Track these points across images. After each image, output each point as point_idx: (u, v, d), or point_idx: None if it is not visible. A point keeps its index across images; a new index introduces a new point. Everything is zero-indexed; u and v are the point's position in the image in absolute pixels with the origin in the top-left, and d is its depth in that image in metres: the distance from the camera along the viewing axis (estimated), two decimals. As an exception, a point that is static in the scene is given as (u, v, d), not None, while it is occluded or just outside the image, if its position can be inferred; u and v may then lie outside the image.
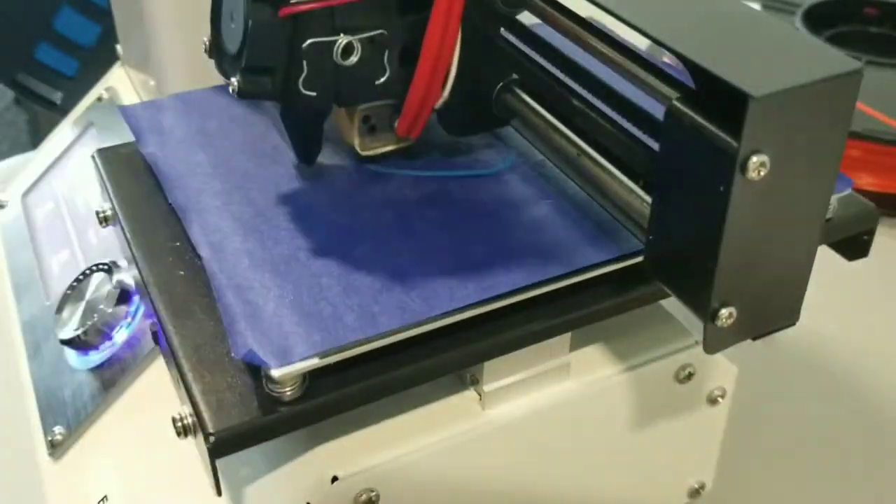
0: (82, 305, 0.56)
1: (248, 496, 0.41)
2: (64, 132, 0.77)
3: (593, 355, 0.46)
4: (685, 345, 0.46)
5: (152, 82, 0.68)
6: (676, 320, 0.48)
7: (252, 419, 0.37)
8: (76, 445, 0.55)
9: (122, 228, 0.47)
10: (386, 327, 0.39)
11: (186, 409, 0.38)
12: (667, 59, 0.63)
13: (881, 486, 0.58)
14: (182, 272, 0.44)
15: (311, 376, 0.38)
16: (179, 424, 0.38)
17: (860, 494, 0.58)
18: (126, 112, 0.53)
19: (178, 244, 0.45)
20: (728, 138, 0.32)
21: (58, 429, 0.55)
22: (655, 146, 0.38)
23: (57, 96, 1.13)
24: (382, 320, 0.39)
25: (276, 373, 0.36)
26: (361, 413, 0.41)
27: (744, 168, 0.32)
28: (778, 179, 0.33)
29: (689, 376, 0.47)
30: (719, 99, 0.32)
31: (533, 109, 0.47)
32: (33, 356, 0.61)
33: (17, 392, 0.61)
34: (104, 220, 0.50)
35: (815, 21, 0.89)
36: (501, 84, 0.48)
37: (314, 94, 0.42)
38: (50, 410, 0.57)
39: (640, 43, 0.40)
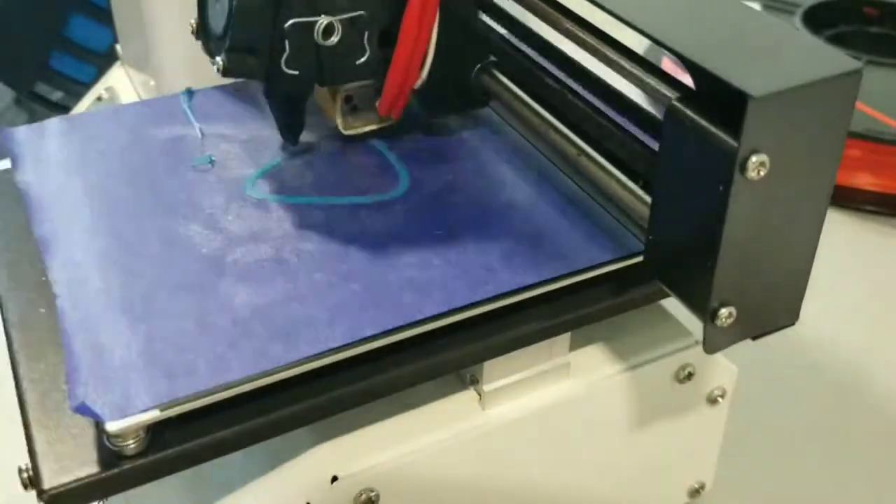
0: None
1: (249, 495, 0.41)
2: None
3: (593, 355, 0.46)
4: (685, 345, 0.46)
5: (152, 82, 0.68)
6: (676, 320, 0.48)
7: (89, 475, 0.35)
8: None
9: None
10: (239, 375, 0.36)
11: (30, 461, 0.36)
12: (666, 59, 0.63)
13: (881, 485, 0.58)
14: (43, 310, 0.42)
15: (157, 428, 0.36)
16: (24, 475, 0.36)
17: (860, 494, 0.58)
18: (6, 135, 0.51)
19: (44, 279, 0.42)
20: (728, 138, 0.32)
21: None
22: (655, 146, 0.38)
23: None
24: (235, 367, 0.37)
25: (111, 426, 0.34)
26: (361, 413, 0.41)
27: (743, 168, 0.32)
28: (777, 179, 0.33)
29: (689, 376, 0.47)
30: (719, 99, 0.32)
31: (511, 91, 0.48)
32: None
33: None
34: None
35: (815, 21, 0.89)
36: (479, 66, 0.49)
37: (297, 73, 0.43)
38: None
39: (640, 43, 0.40)
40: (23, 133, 0.51)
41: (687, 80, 0.36)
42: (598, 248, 0.43)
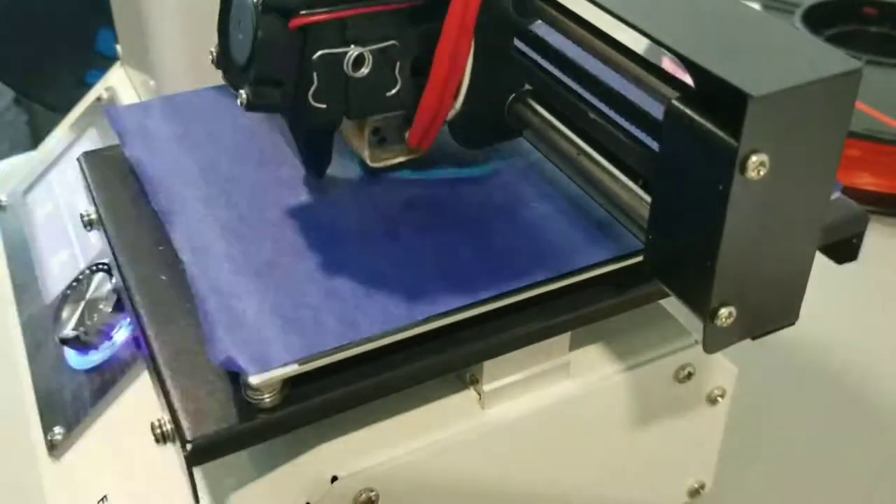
0: (82, 305, 0.56)
1: (248, 495, 0.41)
2: (64, 132, 0.77)
3: (593, 355, 0.46)
4: (685, 344, 0.46)
5: (152, 82, 0.68)
6: (676, 320, 0.48)
7: (230, 427, 0.36)
8: (76, 445, 0.55)
9: (105, 232, 0.47)
10: (367, 333, 0.38)
11: (165, 416, 0.38)
12: (666, 59, 0.63)
13: (881, 485, 0.58)
14: (164, 277, 0.43)
15: (292, 383, 0.37)
16: (158, 431, 0.38)
17: (860, 494, 0.58)
18: (111, 114, 0.52)
19: (161, 248, 0.44)
20: (727, 138, 0.32)
21: (57, 429, 0.55)
22: (655, 146, 0.38)
23: None
24: (364, 326, 0.39)
25: (254, 379, 0.36)
26: (361, 413, 0.41)
27: (743, 167, 0.32)
28: (777, 179, 0.33)
29: (689, 376, 0.47)
30: (719, 98, 0.32)
31: (547, 121, 0.46)
32: (33, 356, 0.61)
33: (16, 392, 0.61)
34: (89, 224, 0.50)
35: (815, 21, 0.89)
36: (514, 95, 0.47)
37: (324, 106, 0.41)
38: (49, 410, 0.57)
39: (639, 43, 0.40)
40: (129, 111, 0.53)
41: (687, 79, 0.36)
42: (598, 248, 0.43)
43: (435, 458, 0.42)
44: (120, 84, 0.76)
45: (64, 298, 0.57)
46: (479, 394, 0.43)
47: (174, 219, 0.45)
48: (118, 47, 0.77)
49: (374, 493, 0.40)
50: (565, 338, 0.44)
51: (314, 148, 0.46)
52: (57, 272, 0.64)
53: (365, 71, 0.41)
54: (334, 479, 0.40)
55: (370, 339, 0.38)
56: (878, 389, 0.63)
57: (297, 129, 0.46)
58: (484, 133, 0.48)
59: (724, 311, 0.36)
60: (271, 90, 0.41)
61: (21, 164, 0.81)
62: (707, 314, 0.36)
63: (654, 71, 0.38)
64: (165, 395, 0.38)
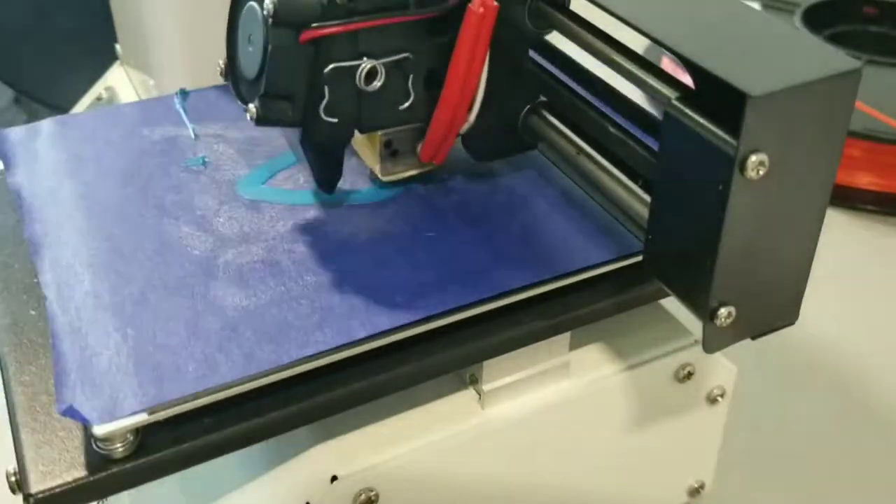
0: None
1: (248, 495, 0.41)
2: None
3: (593, 355, 0.46)
4: (684, 344, 0.46)
5: (151, 82, 0.68)
6: (676, 320, 0.48)
7: (76, 479, 0.34)
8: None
9: None
10: (227, 378, 0.36)
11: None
12: (666, 58, 0.63)
13: (881, 485, 0.58)
14: (34, 312, 0.41)
15: (146, 431, 0.35)
16: (12, 479, 0.36)
17: (860, 494, 0.58)
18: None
19: (35, 281, 0.42)
20: (727, 137, 0.32)
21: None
22: (655, 145, 0.38)
23: None
24: (224, 370, 0.36)
25: (98, 430, 0.34)
26: (361, 412, 0.41)
27: (742, 167, 0.32)
28: (777, 178, 0.33)
29: (689, 376, 0.47)
30: (718, 98, 0.32)
31: (562, 133, 0.45)
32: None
33: None
34: None
35: (815, 20, 0.89)
36: (529, 107, 0.46)
37: (336, 120, 0.41)
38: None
39: (639, 43, 0.40)
40: (16, 134, 0.51)
41: (686, 79, 0.36)
42: (598, 248, 0.43)
43: (435, 458, 0.42)
44: (119, 84, 0.76)
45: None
46: (479, 393, 0.43)
47: (44, 251, 0.42)
48: (118, 47, 0.77)
49: (374, 493, 0.40)
50: (565, 338, 0.44)
51: (325, 163, 0.45)
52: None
53: (377, 84, 0.40)
54: (334, 479, 0.40)
55: (230, 385, 0.36)
56: (877, 389, 0.63)
57: (307, 142, 0.44)
58: (498, 146, 0.47)
59: (723, 311, 0.36)
60: (282, 104, 0.40)
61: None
62: (707, 314, 0.36)
63: (653, 71, 0.38)
64: (15, 442, 0.36)
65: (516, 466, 0.45)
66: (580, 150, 0.44)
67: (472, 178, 0.48)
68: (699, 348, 0.42)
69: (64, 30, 1.29)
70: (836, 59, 0.33)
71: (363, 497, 0.40)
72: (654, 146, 0.39)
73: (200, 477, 0.42)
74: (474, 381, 0.43)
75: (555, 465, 0.46)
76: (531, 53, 0.45)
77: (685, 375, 0.47)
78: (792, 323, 0.39)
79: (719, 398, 0.48)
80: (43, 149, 0.50)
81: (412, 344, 0.39)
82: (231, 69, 0.42)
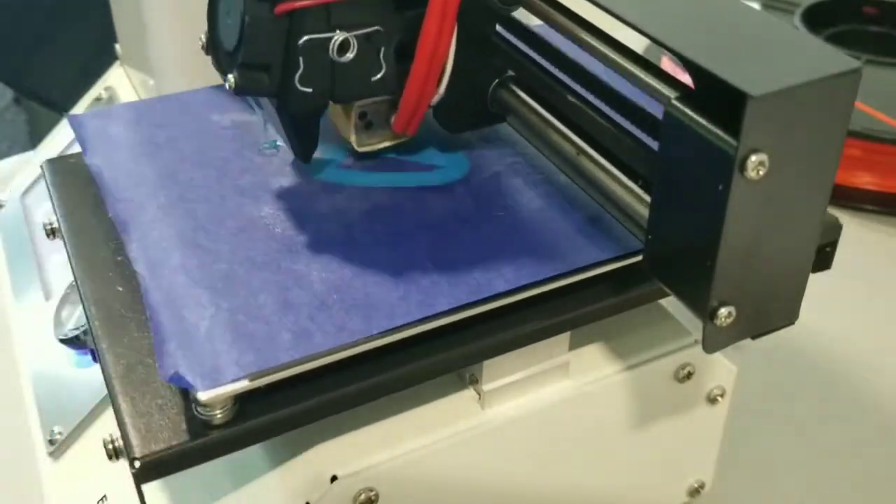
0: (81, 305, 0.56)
1: (248, 495, 0.41)
2: (63, 132, 0.77)
3: (592, 354, 0.46)
4: (684, 344, 0.46)
5: (151, 81, 0.68)
6: (675, 319, 0.48)
7: (180, 444, 0.36)
8: (76, 445, 0.55)
9: (64, 241, 0.46)
10: (322, 347, 0.38)
11: (117, 431, 0.37)
12: (665, 58, 0.63)
13: (881, 485, 0.58)
14: (121, 288, 0.43)
15: (244, 399, 0.37)
16: (110, 447, 0.37)
17: (860, 494, 0.58)
18: (73, 121, 0.52)
19: (119, 259, 0.44)
20: (727, 137, 0.32)
21: (57, 428, 0.55)
22: (655, 145, 0.38)
23: None
24: (318, 340, 0.38)
25: (202, 396, 0.35)
26: (361, 412, 0.41)
27: (742, 167, 0.32)
28: (777, 179, 0.33)
29: (689, 375, 0.47)
30: (718, 98, 0.32)
31: (529, 106, 0.47)
32: (33, 356, 0.61)
33: (16, 392, 0.61)
34: (51, 233, 0.49)
35: (815, 20, 0.89)
36: (497, 81, 0.48)
37: (310, 90, 0.42)
38: (49, 410, 0.57)
39: (639, 43, 0.40)
40: (90, 118, 0.52)
41: (686, 79, 0.36)
42: (598, 248, 0.43)
43: (435, 458, 0.42)
44: (119, 83, 0.76)
45: (64, 298, 0.57)
46: (479, 393, 0.43)
47: (131, 229, 0.44)
48: (118, 47, 0.77)
49: (373, 493, 0.40)
50: (565, 337, 0.44)
51: (301, 132, 0.47)
52: (56, 272, 0.64)
53: (350, 56, 0.42)
54: (334, 478, 0.40)
55: (324, 354, 0.37)
56: (877, 389, 0.63)
57: (283, 112, 0.46)
58: (468, 118, 0.49)
59: (723, 311, 0.36)
60: (259, 74, 0.41)
61: (21, 163, 0.81)
62: (706, 314, 0.36)
63: (653, 70, 0.38)
64: (116, 410, 0.37)
65: (516, 466, 0.45)
66: (580, 150, 0.45)
67: (471, 179, 0.48)
68: (699, 348, 0.42)
69: (64, 30, 1.29)
70: (836, 59, 0.33)
71: (363, 497, 0.40)
72: (651, 143, 0.39)
73: (200, 477, 0.42)
74: (474, 381, 0.43)
75: (554, 465, 0.46)
76: (499, 29, 0.47)
77: (685, 375, 0.47)
78: (792, 323, 0.39)
79: (719, 398, 0.48)
80: (118, 132, 0.51)
81: (412, 344, 0.39)
82: (212, 42, 0.43)
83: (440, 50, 0.43)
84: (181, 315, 0.39)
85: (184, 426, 0.36)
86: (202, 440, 0.36)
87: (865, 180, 0.78)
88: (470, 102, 0.48)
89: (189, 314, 0.39)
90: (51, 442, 0.55)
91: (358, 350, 0.38)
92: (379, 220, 0.45)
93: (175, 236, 0.43)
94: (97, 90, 0.79)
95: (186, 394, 0.37)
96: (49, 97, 1.34)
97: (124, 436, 0.36)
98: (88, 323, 0.41)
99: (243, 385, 0.36)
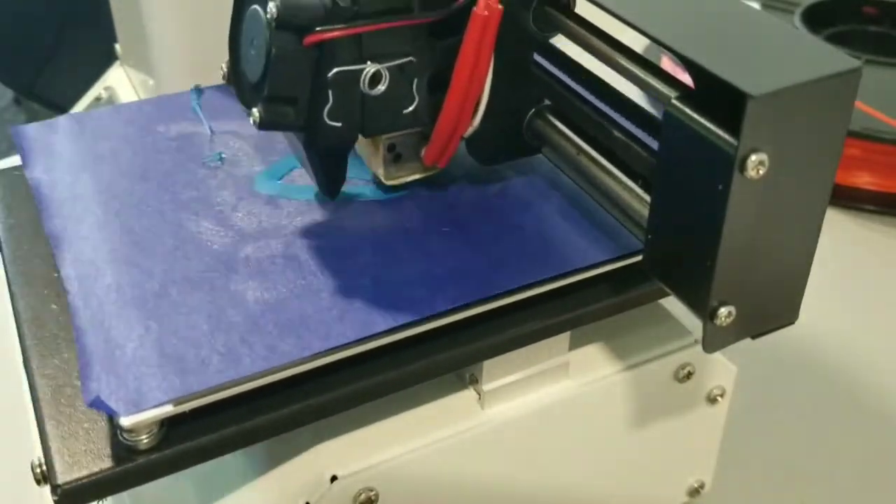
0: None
1: (248, 495, 0.41)
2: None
3: (592, 354, 0.46)
4: (684, 344, 0.46)
5: (151, 82, 0.68)
6: (675, 319, 0.48)
7: (103, 470, 0.35)
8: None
9: (2, 256, 0.45)
10: (249, 371, 0.37)
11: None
12: (665, 58, 0.63)
13: (881, 485, 0.58)
14: (55, 306, 0.42)
15: (171, 423, 0.36)
16: (38, 471, 0.36)
17: (860, 494, 0.57)
18: (17, 133, 0.51)
19: (56, 275, 0.42)
20: (727, 137, 0.32)
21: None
22: (654, 144, 0.38)
23: None
24: (246, 363, 0.37)
25: (125, 421, 0.34)
26: (361, 412, 0.41)
27: (743, 167, 0.32)
28: (777, 178, 0.33)
29: (689, 375, 0.47)
30: (718, 98, 0.32)
31: (565, 136, 0.45)
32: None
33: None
34: None
35: (815, 20, 0.89)
36: (533, 110, 0.46)
37: (340, 124, 0.40)
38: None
39: (639, 43, 0.40)
40: (33, 130, 0.51)
41: (686, 79, 0.36)
42: (598, 248, 0.43)
43: (434, 458, 0.42)
44: (119, 83, 0.76)
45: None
46: (479, 393, 0.43)
47: (64, 245, 0.43)
48: (117, 47, 0.78)
49: (373, 493, 0.40)
50: (565, 337, 0.44)
51: (328, 167, 0.45)
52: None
53: (382, 88, 0.40)
54: (334, 478, 0.40)
55: (253, 377, 0.37)
56: (877, 389, 0.63)
57: (311, 147, 0.43)
58: (502, 149, 0.47)
59: (723, 311, 0.36)
60: (285, 108, 0.39)
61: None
62: (706, 313, 0.36)
63: (653, 70, 0.38)
64: (41, 434, 0.36)
65: (516, 466, 0.45)
66: (580, 149, 0.44)
67: (471, 179, 0.48)
68: (699, 348, 0.42)
69: (64, 30, 1.29)
70: (836, 59, 0.33)
71: (363, 497, 0.40)
72: (654, 146, 0.39)
73: (200, 477, 0.42)
74: (474, 381, 0.43)
75: (554, 465, 0.46)
76: (536, 57, 0.45)
77: (685, 375, 0.47)
78: (792, 322, 0.39)
79: (719, 398, 0.48)
80: (60, 145, 0.50)
81: (412, 344, 0.39)
82: (234, 73, 0.42)
83: (476, 80, 0.41)
84: (109, 336, 0.38)
85: (108, 451, 0.35)
86: (127, 465, 0.35)
87: (865, 180, 0.78)
88: (505, 133, 0.46)
89: (117, 335, 0.38)
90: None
91: (289, 373, 0.37)
92: (322, 236, 0.44)
93: (109, 253, 0.42)
94: (97, 90, 0.79)
95: (112, 418, 0.36)
96: (49, 97, 1.34)
97: (48, 461, 0.35)
98: (20, 342, 0.41)
99: (168, 410, 0.35)
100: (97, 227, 0.44)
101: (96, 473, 0.35)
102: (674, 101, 0.35)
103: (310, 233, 0.44)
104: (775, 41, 0.35)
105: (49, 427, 0.37)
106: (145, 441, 0.35)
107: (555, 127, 0.46)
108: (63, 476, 0.35)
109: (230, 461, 0.38)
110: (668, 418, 0.48)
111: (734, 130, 0.32)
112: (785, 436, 0.60)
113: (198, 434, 0.36)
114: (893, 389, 0.63)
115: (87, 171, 0.48)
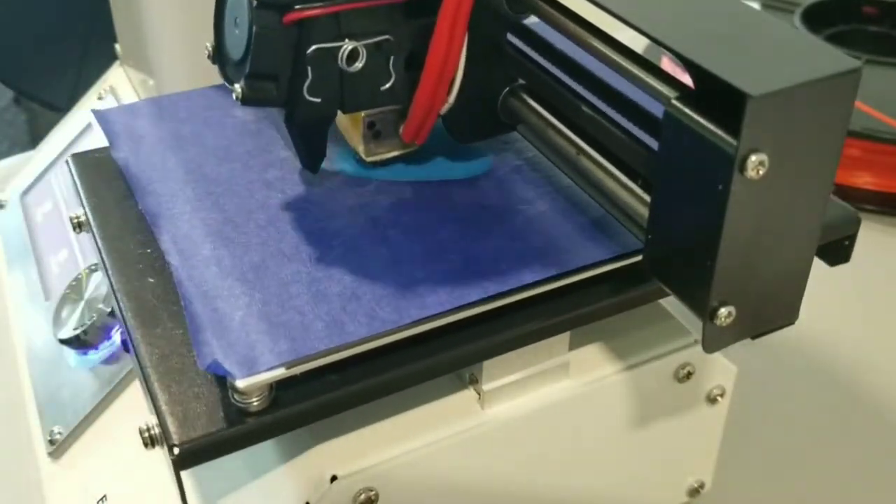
0: (81, 305, 0.56)
1: (248, 495, 0.41)
2: (63, 132, 0.77)
3: (592, 354, 0.46)
4: (684, 344, 0.46)
5: (151, 81, 0.68)
6: (675, 319, 0.48)
7: (218, 431, 0.36)
8: (76, 445, 0.55)
9: (94, 235, 0.46)
10: (355, 336, 0.38)
11: (153, 420, 0.38)
12: (665, 58, 0.63)
13: (881, 485, 0.58)
14: (152, 279, 0.43)
15: (279, 386, 0.37)
16: (147, 435, 0.38)
17: (860, 494, 0.58)
18: (100, 116, 0.52)
19: (149, 251, 0.44)
20: (727, 137, 0.32)
21: (57, 428, 0.55)
22: (655, 145, 0.38)
23: None
24: (350, 329, 0.38)
25: (240, 383, 0.36)
26: (361, 412, 0.41)
27: (742, 167, 0.32)
28: (777, 178, 0.33)
29: (689, 375, 0.47)
30: (718, 98, 0.32)
31: (539, 114, 0.46)
32: (33, 356, 0.61)
33: (16, 392, 0.61)
34: (78, 227, 0.49)
35: (814, 20, 0.89)
36: (507, 89, 0.47)
37: (319, 100, 0.42)
38: (49, 410, 0.57)
39: (639, 43, 0.40)
40: (116, 113, 0.53)
41: (686, 79, 0.36)
42: (598, 248, 0.43)
43: (434, 458, 0.42)
44: (119, 83, 0.76)
45: (64, 298, 0.57)
46: (479, 393, 0.43)
47: (161, 221, 0.45)
48: (118, 47, 0.77)
49: (373, 493, 0.41)
50: (565, 337, 0.44)
51: (309, 142, 0.46)
52: (56, 272, 0.64)
53: (359, 65, 0.41)
54: (334, 478, 0.40)
55: (358, 343, 0.38)
56: (877, 389, 0.63)
57: (291, 123, 0.45)
58: (478, 127, 0.48)
59: (723, 311, 0.36)
60: (266, 84, 0.41)
61: (21, 163, 0.81)
62: (706, 313, 0.36)
63: (653, 70, 0.38)
64: (153, 399, 0.38)
65: (516, 466, 0.45)
66: (580, 149, 0.45)
67: (470, 179, 0.48)
68: (699, 348, 0.42)
69: (64, 30, 1.29)
70: (836, 59, 0.33)
71: (363, 497, 0.40)
72: (651, 144, 0.39)
73: (201, 477, 0.42)
74: (474, 381, 0.43)
75: (554, 465, 0.46)
76: (509, 36, 0.46)
77: (685, 375, 0.47)
78: (792, 322, 0.39)
79: (719, 398, 0.48)
80: (144, 127, 0.51)
81: (412, 344, 0.39)
82: (218, 51, 0.43)
83: (451, 58, 0.43)
84: (215, 306, 0.40)
85: (221, 414, 0.37)
86: (239, 427, 0.36)
87: (865, 180, 0.78)
88: (480, 111, 0.47)
89: (223, 304, 0.40)
90: (51, 442, 0.55)
91: (390, 339, 0.39)
92: (405, 213, 0.45)
93: (205, 229, 0.44)
94: (97, 90, 0.79)
95: (223, 382, 0.37)
96: (49, 97, 1.34)
97: (162, 423, 0.37)
98: (121, 314, 0.42)
99: (280, 373, 0.37)
100: (189, 204, 0.46)
101: (211, 434, 0.36)
102: (673, 102, 0.35)
103: (392, 210, 0.45)
104: (775, 41, 0.35)
105: (160, 392, 0.38)
106: (256, 403, 0.37)
107: (528, 105, 0.47)
108: (179, 436, 0.36)
109: (230, 461, 0.38)
110: (667, 418, 0.48)
111: (734, 130, 0.32)
112: (785, 436, 0.60)
113: (303, 397, 0.37)
114: (893, 389, 0.63)
115: (173, 152, 0.50)
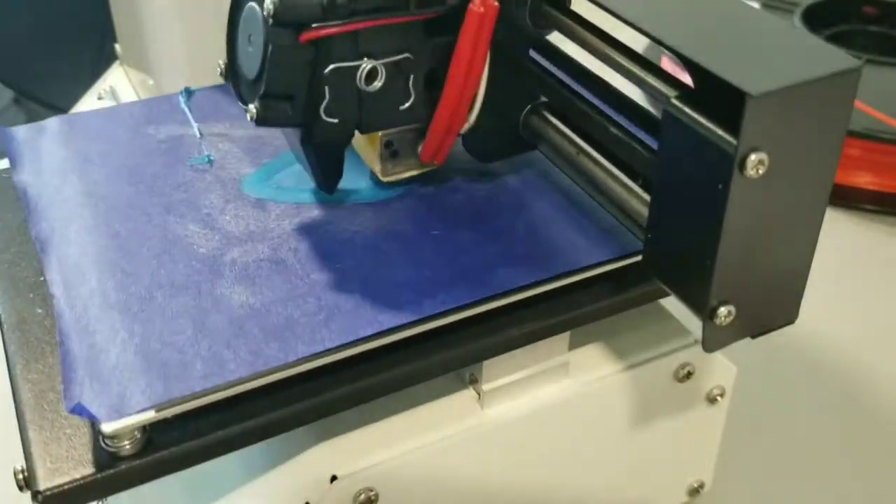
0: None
1: (248, 495, 0.41)
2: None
3: (592, 354, 0.46)
4: (684, 344, 0.46)
5: (151, 81, 0.68)
6: (675, 319, 0.48)
7: (84, 476, 0.35)
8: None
9: None
10: (235, 375, 0.36)
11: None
12: (665, 58, 0.63)
13: (880, 485, 0.58)
14: (41, 310, 0.42)
15: (155, 428, 0.36)
16: (20, 477, 0.36)
17: (859, 494, 0.57)
18: (4, 135, 0.50)
19: (42, 279, 0.42)
20: (727, 136, 0.32)
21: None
22: (654, 144, 0.38)
23: None
24: (232, 368, 0.36)
25: (106, 427, 0.34)
26: (361, 412, 0.41)
27: (742, 166, 0.32)
28: (776, 177, 0.33)
29: (688, 375, 0.47)
30: (718, 97, 0.32)
31: (561, 133, 0.45)
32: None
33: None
34: None
35: (815, 20, 0.89)
36: (529, 107, 0.46)
37: (336, 120, 0.40)
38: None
39: (639, 42, 0.40)
40: (22, 132, 0.51)
41: (686, 79, 0.36)
42: (597, 248, 0.43)
43: (434, 458, 0.42)
44: (119, 83, 0.76)
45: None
46: (479, 393, 0.43)
47: (50, 248, 0.43)
48: (117, 47, 0.77)
49: (373, 493, 0.40)
50: (564, 337, 0.44)
51: (325, 163, 0.44)
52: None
53: (378, 84, 0.40)
54: (334, 478, 0.40)
55: (237, 382, 0.36)
56: (877, 389, 0.63)
57: (307, 143, 0.43)
58: (498, 146, 0.47)
59: (723, 310, 0.36)
60: (282, 104, 0.39)
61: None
62: (706, 313, 0.36)
63: (652, 70, 0.38)
64: (23, 440, 0.36)
65: (516, 466, 0.45)
66: (580, 149, 0.44)
67: (470, 179, 0.48)
68: (699, 348, 0.42)
69: (64, 30, 1.29)
70: (836, 59, 0.33)
71: (363, 497, 0.40)
72: (654, 145, 0.39)
73: (199, 477, 0.42)
74: (474, 381, 0.43)
75: (554, 464, 0.46)
76: (532, 53, 0.45)
77: (685, 375, 0.46)
78: (792, 322, 0.39)
79: (719, 398, 0.48)
80: (48, 147, 0.50)
81: (412, 344, 0.39)
82: (231, 70, 0.42)
83: (472, 77, 0.41)
84: (93, 341, 0.38)
85: (90, 458, 0.35)
86: (109, 472, 0.35)
87: (865, 180, 0.78)
88: (501, 130, 0.46)
89: (101, 340, 0.38)
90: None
91: (273, 378, 0.37)
92: (310, 239, 0.43)
93: (95, 257, 0.42)
94: (97, 90, 0.79)
95: (94, 424, 0.35)
96: (49, 97, 1.34)
97: (29, 467, 0.35)
98: (3, 347, 0.40)
99: (149, 416, 0.35)
100: (84, 230, 0.44)
101: (77, 480, 0.35)
102: (673, 101, 0.35)
103: (297, 236, 0.44)
104: (775, 41, 0.35)
105: (31, 433, 0.36)
106: (127, 447, 0.35)
107: (551, 124, 0.46)
108: (44, 482, 0.34)
109: (230, 461, 0.38)
110: (667, 418, 0.48)
111: (734, 130, 0.32)
112: (785, 436, 0.60)
113: (180, 440, 0.36)
114: (893, 389, 0.63)
115: (76, 173, 0.48)
